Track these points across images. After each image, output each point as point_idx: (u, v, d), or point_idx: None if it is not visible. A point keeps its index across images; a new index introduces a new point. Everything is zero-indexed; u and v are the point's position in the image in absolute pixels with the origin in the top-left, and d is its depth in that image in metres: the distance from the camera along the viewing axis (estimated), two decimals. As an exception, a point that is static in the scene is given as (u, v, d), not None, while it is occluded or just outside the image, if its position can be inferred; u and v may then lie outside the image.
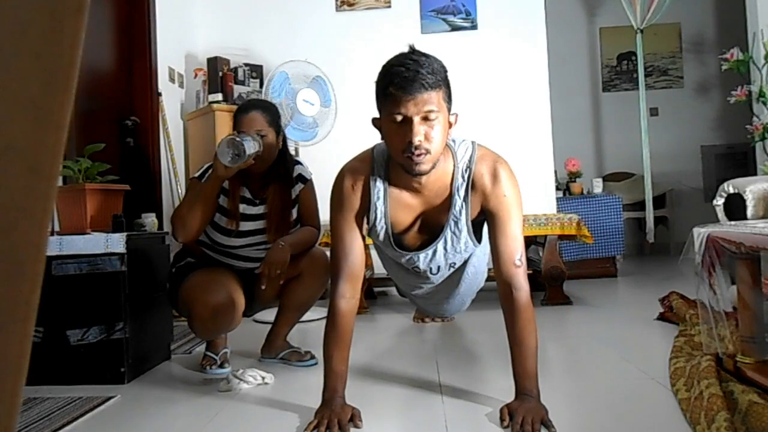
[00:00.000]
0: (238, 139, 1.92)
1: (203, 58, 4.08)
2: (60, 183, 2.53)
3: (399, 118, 1.45)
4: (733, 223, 2.12)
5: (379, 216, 1.64)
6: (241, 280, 2.13)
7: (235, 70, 4.04)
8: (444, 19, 4.24)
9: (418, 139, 1.43)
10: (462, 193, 1.59)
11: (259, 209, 2.15)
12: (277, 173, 2.16)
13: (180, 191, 3.72)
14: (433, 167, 1.52)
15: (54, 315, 2.09)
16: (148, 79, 3.54)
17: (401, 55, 1.48)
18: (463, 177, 1.59)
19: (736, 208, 2.56)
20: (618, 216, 4.49)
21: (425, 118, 1.44)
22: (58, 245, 2.11)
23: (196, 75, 4.04)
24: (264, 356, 2.30)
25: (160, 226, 3.24)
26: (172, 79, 3.89)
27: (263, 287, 2.05)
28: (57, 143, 0.34)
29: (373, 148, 1.68)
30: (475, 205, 1.62)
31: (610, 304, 3.41)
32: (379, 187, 1.62)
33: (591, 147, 6.43)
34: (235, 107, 3.77)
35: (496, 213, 1.58)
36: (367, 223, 1.69)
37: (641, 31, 4.94)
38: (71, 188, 2.32)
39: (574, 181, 4.77)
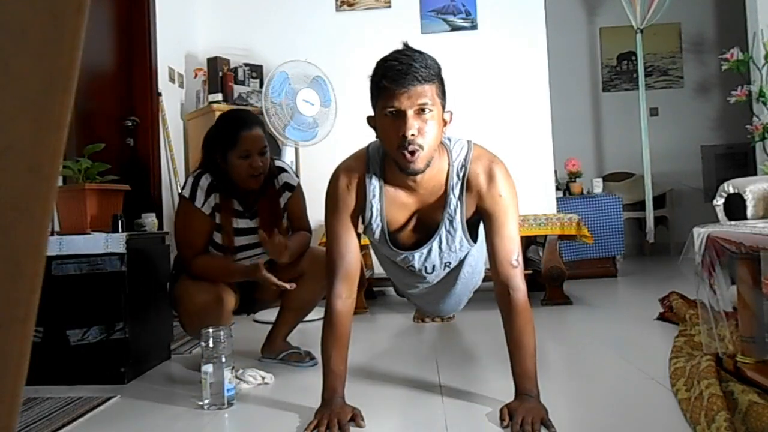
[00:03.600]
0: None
1: (203, 58, 4.08)
2: (60, 183, 2.53)
3: (392, 111, 1.44)
4: (733, 223, 2.12)
5: (374, 214, 1.63)
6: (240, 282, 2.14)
7: (235, 70, 4.04)
8: (444, 19, 4.24)
9: (411, 132, 1.42)
10: (457, 191, 1.58)
11: (251, 223, 2.13)
12: (264, 186, 2.12)
13: (180, 191, 3.72)
14: (427, 165, 1.51)
15: (54, 315, 2.09)
16: (148, 79, 3.54)
17: (395, 51, 1.48)
18: (458, 176, 1.58)
19: (736, 208, 2.56)
20: (618, 216, 4.49)
21: (419, 112, 1.43)
22: (58, 245, 2.11)
23: (196, 75, 4.04)
24: (264, 356, 2.30)
25: (160, 226, 3.24)
26: (172, 79, 3.89)
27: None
28: (57, 143, 0.34)
29: (368, 147, 1.67)
30: (470, 204, 1.61)
31: (610, 304, 3.41)
32: (374, 185, 1.61)
33: (591, 147, 6.43)
34: (235, 107, 3.79)
35: (492, 213, 1.58)
36: (362, 221, 1.67)
37: (641, 31, 4.94)
38: (71, 188, 2.32)
39: (574, 181, 4.77)
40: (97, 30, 3.40)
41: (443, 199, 1.60)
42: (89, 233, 2.22)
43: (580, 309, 3.18)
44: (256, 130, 2.05)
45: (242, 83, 4.05)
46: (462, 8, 4.25)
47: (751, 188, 2.51)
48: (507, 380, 1.71)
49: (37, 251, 0.34)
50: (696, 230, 1.80)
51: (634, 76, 5.87)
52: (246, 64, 4.12)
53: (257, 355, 2.32)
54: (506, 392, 1.62)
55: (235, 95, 3.96)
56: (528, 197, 4.16)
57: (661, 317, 2.72)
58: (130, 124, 3.44)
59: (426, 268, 1.76)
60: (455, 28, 4.24)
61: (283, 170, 2.20)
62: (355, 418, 1.53)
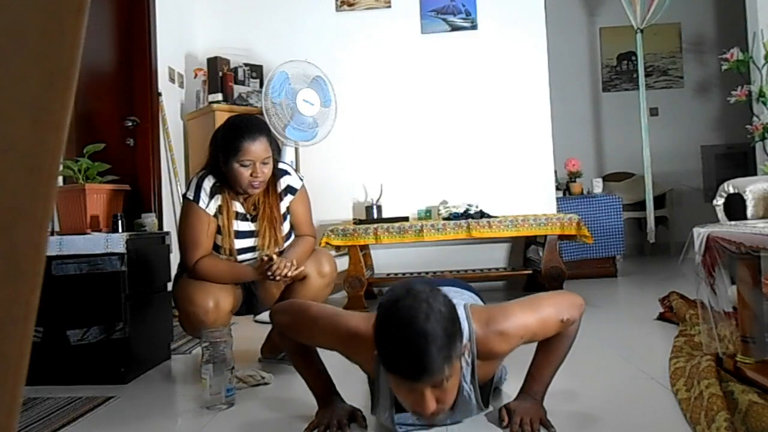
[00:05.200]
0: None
1: (203, 58, 4.08)
2: (60, 183, 2.53)
3: (408, 389, 1.28)
4: (733, 223, 2.12)
5: (384, 405, 1.46)
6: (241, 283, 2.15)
7: (235, 70, 4.04)
8: (444, 19, 4.24)
9: (430, 411, 1.28)
10: (468, 378, 1.44)
11: (252, 226, 2.13)
12: (265, 190, 2.12)
13: (180, 191, 3.72)
14: None
15: (54, 315, 2.09)
16: (148, 79, 3.54)
17: (402, 326, 1.23)
18: (467, 362, 1.42)
19: (736, 208, 2.56)
20: (618, 216, 4.49)
21: (436, 387, 1.27)
22: (58, 245, 2.11)
23: (196, 75, 4.04)
24: (264, 356, 2.30)
25: (160, 226, 3.24)
26: (172, 79, 3.89)
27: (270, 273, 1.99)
28: (57, 143, 0.34)
29: (379, 364, 1.40)
30: (491, 366, 1.50)
31: (610, 304, 3.40)
32: (383, 385, 1.44)
33: (591, 147, 6.43)
34: (235, 107, 3.80)
35: (528, 341, 1.49)
36: (371, 402, 1.55)
37: (641, 31, 4.94)
38: (71, 188, 2.33)
39: (574, 181, 4.76)
40: (97, 30, 3.40)
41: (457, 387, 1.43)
42: (89, 233, 2.22)
43: (580, 309, 3.18)
44: (261, 140, 2.02)
45: (242, 83, 4.05)
46: (462, 8, 4.24)
47: (751, 188, 2.51)
48: (507, 380, 1.71)
49: (37, 251, 0.34)
50: (696, 230, 1.80)
51: (634, 76, 5.87)
52: (246, 64, 4.12)
53: (257, 355, 2.32)
54: (506, 392, 1.62)
55: (235, 95, 3.96)
56: (528, 197, 4.16)
57: (661, 317, 2.72)
58: (130, 124, 3.44)
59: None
60: (455, 28, 4.24)
61: (285, 173, 2.18)
62: (356, 417, 1.53)
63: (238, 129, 2.04)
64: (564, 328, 1.50)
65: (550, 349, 1.53)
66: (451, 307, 1.30)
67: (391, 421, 1.45)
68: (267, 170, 2.05)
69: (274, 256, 1.99)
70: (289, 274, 1.98)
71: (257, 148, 2.00)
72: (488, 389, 1.56)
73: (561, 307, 1.50)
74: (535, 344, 1.56)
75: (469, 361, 1.42)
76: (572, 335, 1.53)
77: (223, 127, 2.12)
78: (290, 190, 2.18)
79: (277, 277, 1.97)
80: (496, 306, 1.51)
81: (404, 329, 1.22)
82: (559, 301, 1.53)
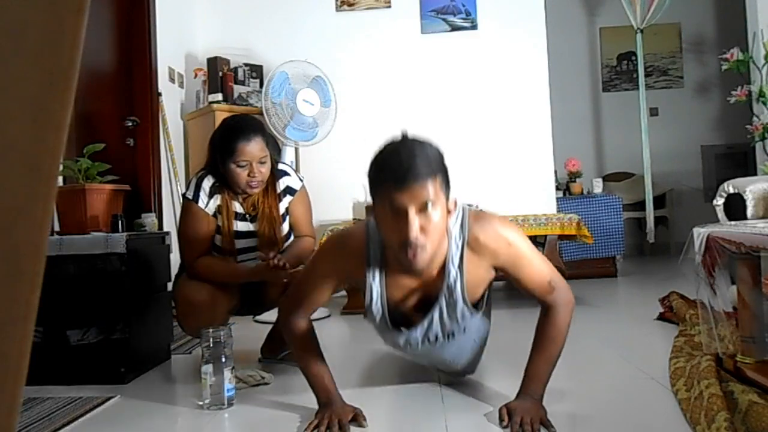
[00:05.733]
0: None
1: (203, 58, 4.08)
2: (60, 183, 2.53)
3: (393, 210, 1.36)
4: (733, 223, 2.12)
5: (375, 298, 1.55)
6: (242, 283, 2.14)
7: (235, 70, 4.04)
8: (444, 19, 4.24)
9: (414, 234, 1.34)
10: (456, 261, 1.51)
11: (251, 226, 2.13)
12: (264, 190, 2.12)
13: (180, 191, 3.72)
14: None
15: (54, 315, 2.09)
16: (148, 79, 3.54)
17: (394, 143, 1.40)
18: (456, 245, 1.50)
19: (736, 208, 2.56)
20: (618, 216, 4.49)
21: (422, 209, 1.35)
22: (58, 245, 2.11)
23: (196, 75, 4.04)
24: (264, 356, 2.30)
25: (160, 226, 3.24)
26: (172, 79, 3.89)
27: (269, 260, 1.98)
28: (57, 143, 0.34)
29: (367, 225, 1.56)
30: (481, 268, 1.54)
31: (610, 304, 3.41)
32: (375, 271, 1.54)
33: (591, 147, 6.43)
34: (235, 107, 3.79)
35: (510, 263, 1.53)
36: (363, 302, 1.59)
37: (641, 31, 4.94)
38: (71, 188, 2.33)
39: (574, 181, 4.76)
40: (97, 30, 3.40)
41: (443, 270, 1.52)
42: (89, 233, 2.22)
43: (580, 309, 3.15)
44: (256, 140, 2.01)
45: (242, 83, 4.05)
46: (462, 8, 4.25)
47: (751, 188, 2.51)
48: (507, 380, 1.71)
49: (37, 251, 0.34)
50: (696, 230, 1.80)
51: (634, 76, 5.87)
52: (246, 64, 4.12)
53: (257, 355, 2.32)
54: (506, 392, 1.62)
55: (235, 95, 3.96)
56: (528, 197, 4.16)
57: (661, 317, 2.72)
58: (130, 124, 3.44)
59: (429, 339, 1.63)
60: (455, 28, 4.24)
61: (285, 174, 2.18)
62: (357, 417, 1.53)
63: (233, 130, 2.04)
64: (546, 294, 1.54)
65: (543, 346, 1.55)
66: (441, 151, 1.43)
67: (383, 315, 1.55)
68: (264, 170, 2.04)
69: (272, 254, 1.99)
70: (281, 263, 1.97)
71: (252, 148, 2.00)
72: (479, 300, 1.62)
73: (555, 276, 1.56)
74: (531, 344, 1.57)
75: (459, 244, 1.50)
76: (563, 332, 1.55)
77: (219, 128, 2.12)
78: (289, 190, 2.18)
79: (277, 261, 1.96)
80: None
81: (393, 146, 1.39)
82: (557, 274, 1.58)
